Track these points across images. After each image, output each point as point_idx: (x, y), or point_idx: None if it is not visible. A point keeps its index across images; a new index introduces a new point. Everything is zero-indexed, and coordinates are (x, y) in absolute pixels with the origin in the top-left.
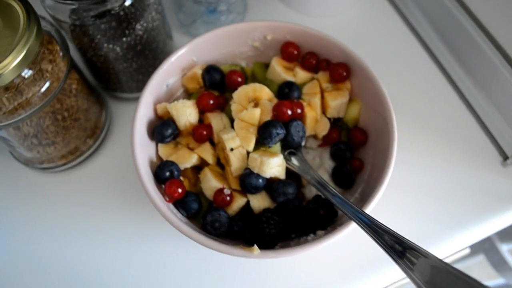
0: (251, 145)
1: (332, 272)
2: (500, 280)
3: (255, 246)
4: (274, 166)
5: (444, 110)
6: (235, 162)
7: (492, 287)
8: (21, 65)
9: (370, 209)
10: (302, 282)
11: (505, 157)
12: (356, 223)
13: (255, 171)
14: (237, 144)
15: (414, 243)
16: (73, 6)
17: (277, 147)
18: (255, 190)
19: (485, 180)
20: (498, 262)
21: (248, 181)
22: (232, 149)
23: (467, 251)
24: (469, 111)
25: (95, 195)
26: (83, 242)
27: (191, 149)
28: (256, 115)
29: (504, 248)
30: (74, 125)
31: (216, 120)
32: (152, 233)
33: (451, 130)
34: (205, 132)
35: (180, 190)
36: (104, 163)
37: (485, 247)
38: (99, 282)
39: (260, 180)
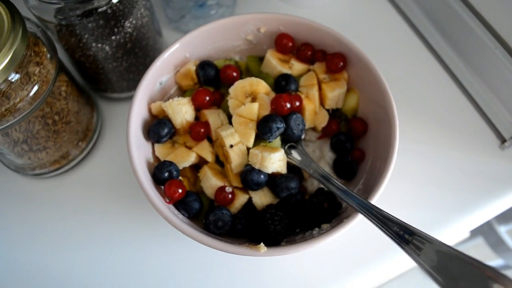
0: (251, 141)
1: (335, 264)
2: (499, 261)
3: (262, 244)
4: (275, 161)
5: (440, 96)
6: (235, 159)
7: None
8: (7, 69)
9: (376, 199)
10: (306, 275)
11: (503, 140)
12: (363, 214)
13: (257, 167)
14: (237, 140)
15: (419, 230)
16: (58, 5)
17: (277, 141)
18: (257, 186)
19: (484, 164)
20: (496, 243)
21: (249, 177)
22: (231, 146)
23: (467, 234)
24: (465, 97)
25: (91, 199)
26: (81, 248)
27: (189, 148)
28: (254, 110)
29: (502, 229)
30: (65, 129)
31: (213, 116)
32: (153, 236)
33: (449, 116)
34: (202, 130)
35: (180, 191)
36: (98, 166)
37: (484, 230)
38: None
39: (262, 176)
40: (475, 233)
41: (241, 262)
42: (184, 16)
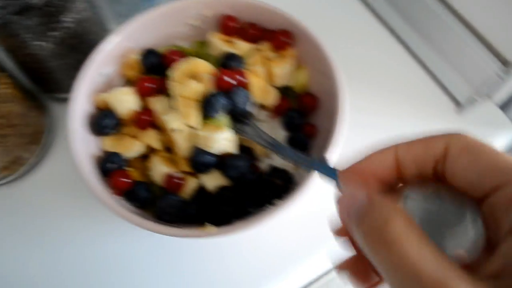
0: (195, 120)
1: (294, 244)
2: None
3: (211, 225)
4: (221, 140)
5: (393, 66)
6: (181, 143)
7: None
8: None
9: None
10: (265, 258)
11: (458, 104)
12: (315, 169)
13: (203, 148)
14: (180, 123)
15: None
16: None
17: (225, 120)
18: (205, 168)
19: (442, 129)
20: None
21: (197, 159)
22: (175, 129)
23: None
24: (417, 64)
25: (46, 204)
26: (38, 253)
27: (136, 138)
28: (196, 88)
29: None
30: (11, 133)
31: (158, 103)
32: (110, 233)
33: (402, 86)
34: (146, 117)
35: (127, 181)
36: (52, 170)
37: None
38: None
39: (210, 157)
40: None
41: (198, 248)
42: (133, 11)
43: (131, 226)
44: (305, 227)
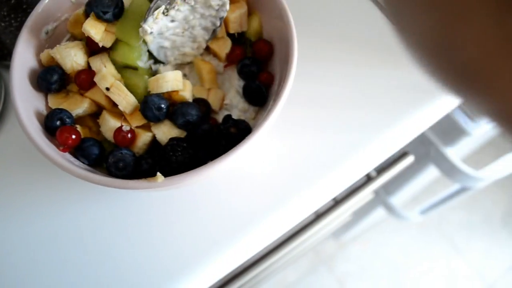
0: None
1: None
2: (456, 186)
3: (159, 174)
4: (170, 80)
5: (350, 12)
6: (120, 100)
7: None
8: None
9: (271, 124)
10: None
11: None
12: None
13: (155, 90)
14: (111, 80)
15: None
16: None
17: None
18: (158, 111)
19: (404, 77)
20: (449, 169)
21: (150, 101)
22: (108, 89)
23: (411, 159)
24: (376, 8)
25: (5, 172)
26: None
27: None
28: None
29: (450, 152)
30: None
31: (95, 62)
32: (74, 202)
33: (366, 33)
34: (85, 77)
35: (74, 136)
36: (7, 139)
37: (432, 155)
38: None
39: (163, 104)
40: (424, 160)
41: (164, 205)
42: None
43: (92, 189)
44: (267, 185)
